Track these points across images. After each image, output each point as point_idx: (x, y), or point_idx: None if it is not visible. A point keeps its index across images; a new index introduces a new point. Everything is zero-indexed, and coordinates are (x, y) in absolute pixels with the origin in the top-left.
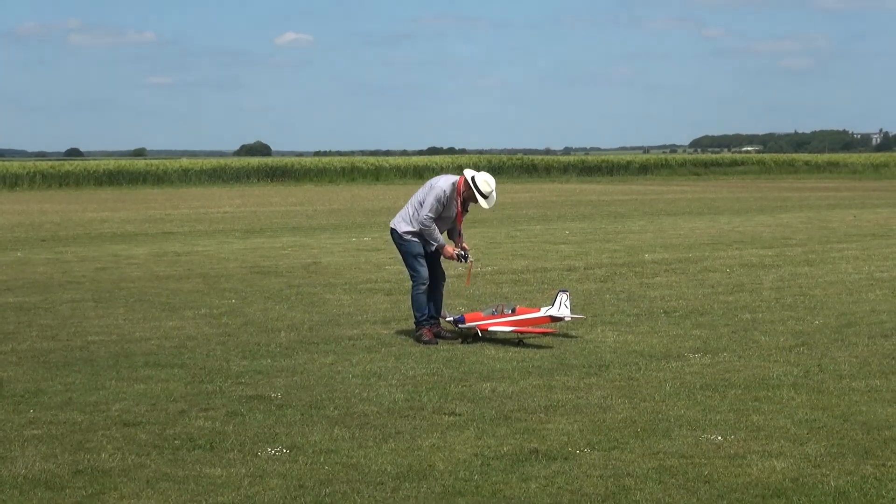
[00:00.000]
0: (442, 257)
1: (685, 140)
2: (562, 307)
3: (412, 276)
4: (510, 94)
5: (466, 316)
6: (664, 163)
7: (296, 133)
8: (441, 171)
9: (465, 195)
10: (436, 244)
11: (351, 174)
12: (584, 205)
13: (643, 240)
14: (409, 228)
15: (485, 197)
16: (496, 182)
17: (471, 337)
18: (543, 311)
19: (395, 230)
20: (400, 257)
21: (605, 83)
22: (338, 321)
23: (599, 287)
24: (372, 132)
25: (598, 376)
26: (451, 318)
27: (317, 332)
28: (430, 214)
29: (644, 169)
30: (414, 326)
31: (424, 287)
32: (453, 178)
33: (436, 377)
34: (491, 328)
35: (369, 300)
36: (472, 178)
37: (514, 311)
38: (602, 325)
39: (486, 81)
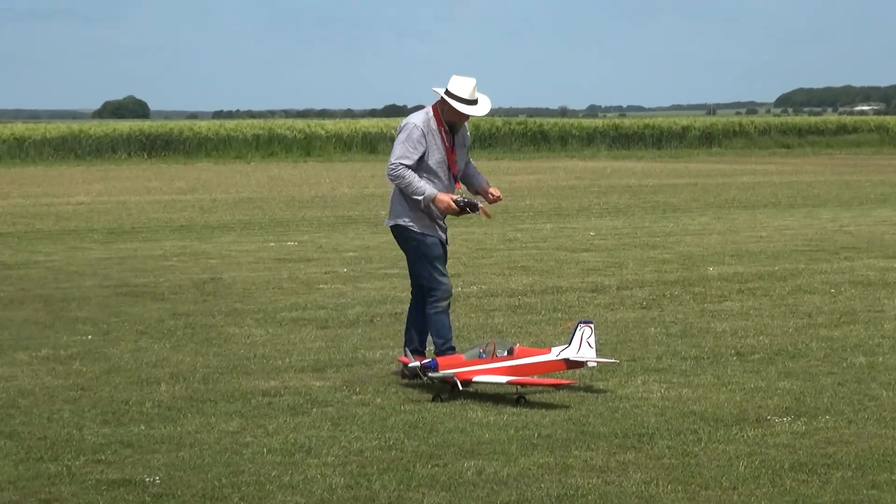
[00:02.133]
0: (437, 212)
1: (770, 96)
2: (583, 347)
3: (431, 290)
4: (507, 28)
5: (441, 360)
6: (738, 129)
7: (186, 85)
8: None
9: (449, 118)
10: (421, 196)
11: (269, 146)
12: (617, 192)
13: (706, 245)
14: (421, 222)
15: (469, 102)
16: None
17: (446, 392)
18: (555, 353)
19: (402, 225)
20: (408, 265)
21: (650, 12)
22: (247, 368)
23: (640, 316)
24: (301, 84)
25: (636, 451)
26: (418, 364)
27: (215, 385)
28: (398, 161)
29: (708, 138)
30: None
31: (447, 303)
32: (426, 108)
33: (394, 452)
34: (477, 378)
35: (295, 336)
36: (445, 91)
37: (511, 353)
38: (644, 373)
39: (471, 9)
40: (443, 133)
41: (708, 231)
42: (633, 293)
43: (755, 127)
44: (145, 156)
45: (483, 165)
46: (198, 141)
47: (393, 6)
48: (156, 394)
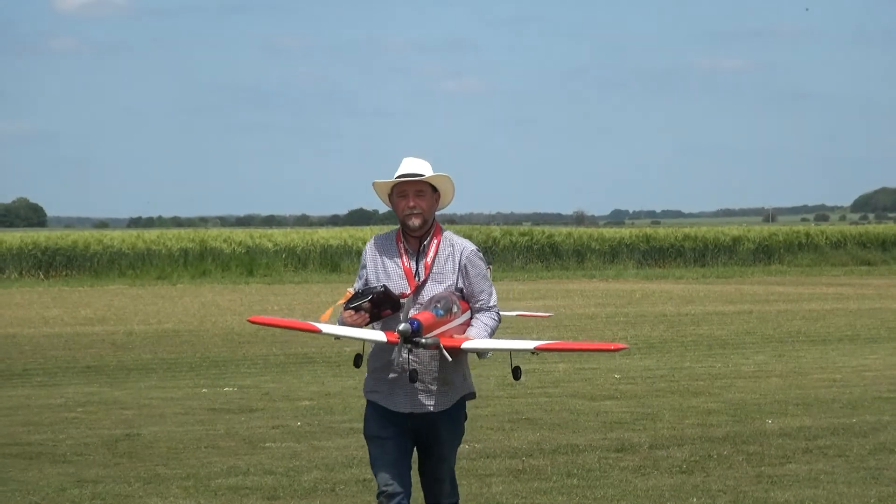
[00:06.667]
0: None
1: (845, 199)
2: None
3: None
4: (508, 107)
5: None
6: (805, 241)
7: (93, 184)
8: None
9: (399, 215)
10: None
11: (200, 263)
12: (649, 322)
13: (764, 391)
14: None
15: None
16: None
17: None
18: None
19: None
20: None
21: (689, 90)
22: None
23: (679, 483)
24: (240, 183)
25: None
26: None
27: None
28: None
29: (766, 252)
30: None
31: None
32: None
33: None
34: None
35: None
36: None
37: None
38: None
39: (461, 86)
40: (401, 249)
41: (766, 373)
42: (670, 453)
43: (826, 238)
44: (41, 276)
45: None
46: (109, 257)
47: (358, 80)
48: None
